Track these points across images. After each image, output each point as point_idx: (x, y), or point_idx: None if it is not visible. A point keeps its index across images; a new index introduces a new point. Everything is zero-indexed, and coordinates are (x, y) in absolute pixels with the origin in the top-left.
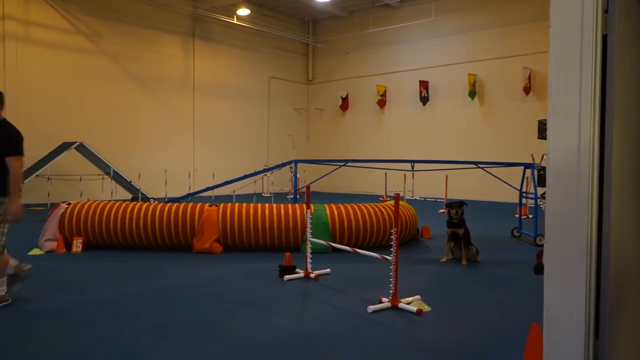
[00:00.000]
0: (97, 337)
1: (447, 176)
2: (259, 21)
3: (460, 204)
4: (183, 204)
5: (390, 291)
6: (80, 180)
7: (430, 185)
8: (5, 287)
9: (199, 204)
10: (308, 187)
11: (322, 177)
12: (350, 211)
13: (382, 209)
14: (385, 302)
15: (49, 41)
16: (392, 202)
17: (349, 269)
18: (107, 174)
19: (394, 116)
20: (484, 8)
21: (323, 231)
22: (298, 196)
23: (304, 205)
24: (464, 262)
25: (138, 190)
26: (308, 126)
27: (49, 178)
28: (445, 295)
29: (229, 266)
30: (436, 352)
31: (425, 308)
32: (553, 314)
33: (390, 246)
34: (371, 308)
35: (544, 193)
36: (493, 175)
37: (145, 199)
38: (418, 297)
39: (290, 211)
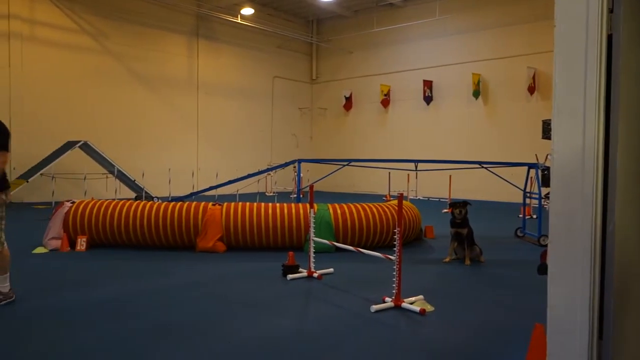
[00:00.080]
0: (97, 336)
1: (450, 176)
2: (263, 20)
3: (464, 203)
4: (187, 203)
5: (394, 291)
6: (85, 179)
7: (433, 185)
8: (8, 284)
9: (202, 203)
10: (311, 186)
11: (326, 176)
12: (354, 211)
13: (386, 209)
14: (389, 302)
15: (54, 41)
16: (396, 201)
17: (352, 269)
18: (111, 172)
19: (397, 116)
20: (488, 7)
21: (326, 231)
22: (301, 195)
23: (308, 205)
24: (468, 262)
25: (142, 189)
26: (311, 125)
27: (53, 177)
28: (449, 295)
29: (232, 265)
30: (439, 352)
31: (429, 308)
32: (557, 314)
33: (394, 246)
34: (374, 308)
35: (548, 193)
36: (497, 175)
37: (149, 197)
38: (421, 297)
39: (293, 210)
